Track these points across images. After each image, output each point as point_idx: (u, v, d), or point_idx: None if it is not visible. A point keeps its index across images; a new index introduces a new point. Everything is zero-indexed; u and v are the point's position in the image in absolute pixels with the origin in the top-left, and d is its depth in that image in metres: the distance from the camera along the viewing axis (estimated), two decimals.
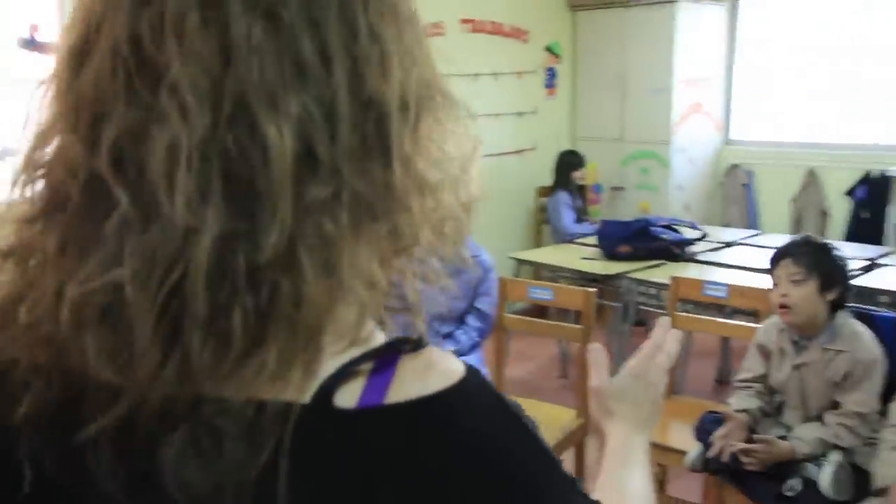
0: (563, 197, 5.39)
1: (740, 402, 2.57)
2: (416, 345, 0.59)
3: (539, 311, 4.63)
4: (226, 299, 0.52)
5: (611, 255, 4.23)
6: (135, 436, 0.53)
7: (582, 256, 4.33)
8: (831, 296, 2.45)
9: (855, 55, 5.42)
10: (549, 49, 6.08)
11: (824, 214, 5.58)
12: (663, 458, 2.80)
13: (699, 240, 4.31)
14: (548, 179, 5.67)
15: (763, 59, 5.91)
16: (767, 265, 2.62)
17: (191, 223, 0.51)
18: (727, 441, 2.46)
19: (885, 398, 2.40)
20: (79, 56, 0.56)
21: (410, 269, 0.63)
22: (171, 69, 0.52)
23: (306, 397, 0.55)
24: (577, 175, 5.48)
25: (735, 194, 5.99)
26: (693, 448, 2.61)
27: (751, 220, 5.86)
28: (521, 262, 4.66)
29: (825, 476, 2.31)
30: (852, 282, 2.68)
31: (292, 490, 0.53)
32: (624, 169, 5.97)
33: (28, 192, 0.59)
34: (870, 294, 3.48)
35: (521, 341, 4.60)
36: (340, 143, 0.54)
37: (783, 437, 2.43)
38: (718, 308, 3.48)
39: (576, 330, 3.11)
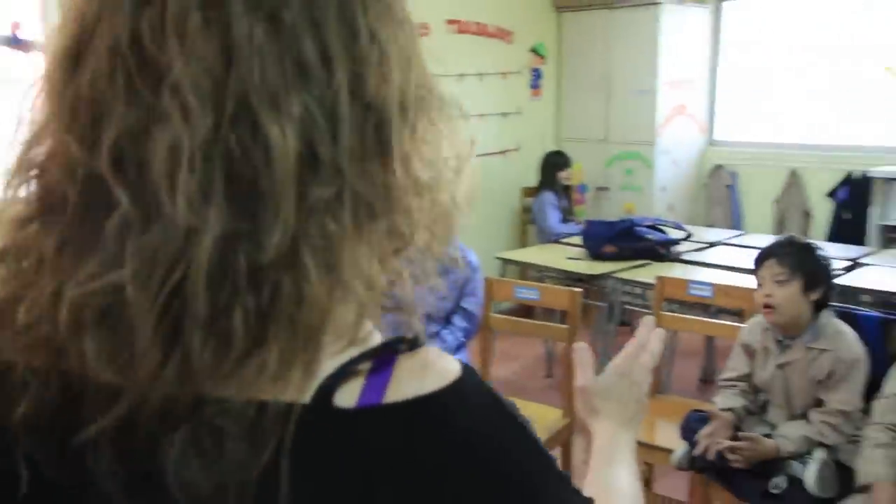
0: (549, 197, 5.41)
1: (725, 400, 2.59)
2: (412, 344, 0.59)
3: (525, 310, 4.64)
4: (227, 299, 0.52)
5: (596, 255, 4.24)
6: (135, 436, 0.53)
7: (567, 256, 4.34)
8: (815, 296, 2.47)
9: (837, 57, 5.47)
10: (534, 50, 6.10)
11: (807, 215, 5.63)
12: (650, 457, 2.82)
13: (684, 240, 4.34)
14: (532, 180, 5.69)
15: (746, 61, 5.95)
16: (751, 265, 2.64)
17: (192, 223, 0.51)
18: (712, 439, 2.47)
19: (868, 396, 2.43)
20: (73, 56, 0.56)
21: (406, 269, 0.63)
22: (173, 69, 0.52)
23: (306, 397, 0.55)
24: (563, 175, 5.49)
25: (719, 195, 6.03)
26: (679, 447, 2.62)
27: (734, 221, 5.90)
28: (506, 261, 4.67)
29: (810, 473, 2.33)
30: (835, 282, 2.70)
31: (293, 490, 0.53)
32: (608, 170, 5.99)
33: (21, 193, 0.59)
34: (852, 293, 3.52)
35: (506, 341, 4.61)
36: (341, 143, 0.55)
37: (768, 436, 2.45)
38: (703, 307, 3.50)
39: (562, 330, 3.12)
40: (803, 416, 2.48)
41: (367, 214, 0.57)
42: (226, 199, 0.52)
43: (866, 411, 2.41)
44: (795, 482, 2.35)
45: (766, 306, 2.49)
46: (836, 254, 3.69)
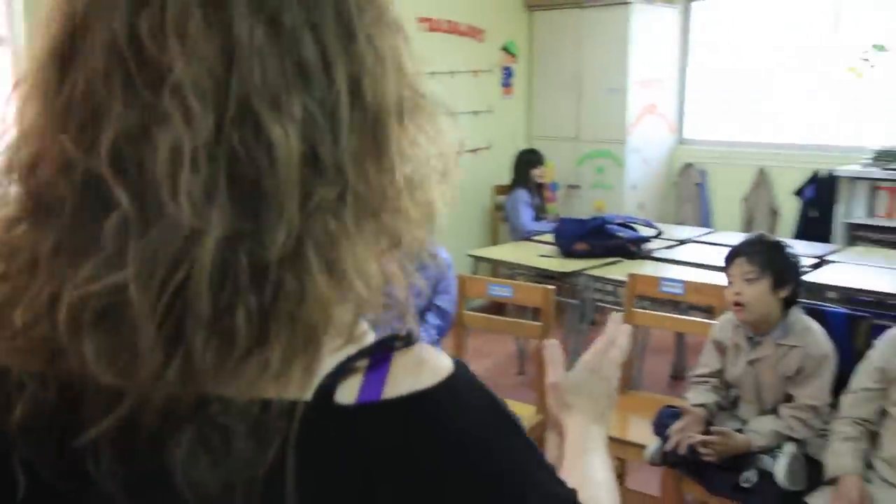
0: (522, 195, 5.43)
1: (697, 396, 2.63)
2: (406, 341, 0.60)
3: (496, 308, 4.66)
4: (229, 299, 0.52)
5: (568, 253, 4.26)
6: (137, 437, 0.54)
7: (539, 254, 4.36)
8: (784, 293, 2.51)
9: (803, 57, 5.55)
10: (505, 48, 6.11)
11: (774, 213, 5.71)
12: (622, 452, 2.85)
13: (655, 237, 4.37)
14: (504, 178, 5.70)
15: (715, 61, 6.02)
16: (721, 262, 2.68)
17: (196, 224, 0.51)
18: (684, 434, 2.50)
19: (836, 391, 2.47)
20: (63, 55, 0.56)
21: (398, 267, 0.64)
22: (175, 70, 0.52)
23: (308, 395, 0.56)
24: (536, 173, 5.51)
25: (688, 193, 6.09)
26: (652, 442, 2.65)
27: (704, 219, 5.96)
28: (478, 259, 4.68)
29: (780, 467, 2.37)
30: (803, 279, 2.74)
31: (298, 486, 0.54)
32: (579, 168, 6.03)
33: (9, 193, 0.58)
34: (819, 290, 3.57)
35: (478, 338, 4.62)
36: (342, 144, 0.56)
37: (739, 430, 2.49)
38: (674, 304, 3.54)
39: (535, 327, 3.14)
40: (773, 411, 2.52)
41: (366, 214, 0.58)
42: (229, 200, 0.52)
43: (834, 406, 2.46)
44: (766, 476, 2.39)
45: (737, 304, 2.53)
46: (802, 251, 3.72)
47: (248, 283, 0.52)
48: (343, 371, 0.57)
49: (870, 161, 5.11)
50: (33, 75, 0.58)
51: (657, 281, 3.30)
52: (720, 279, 2.79)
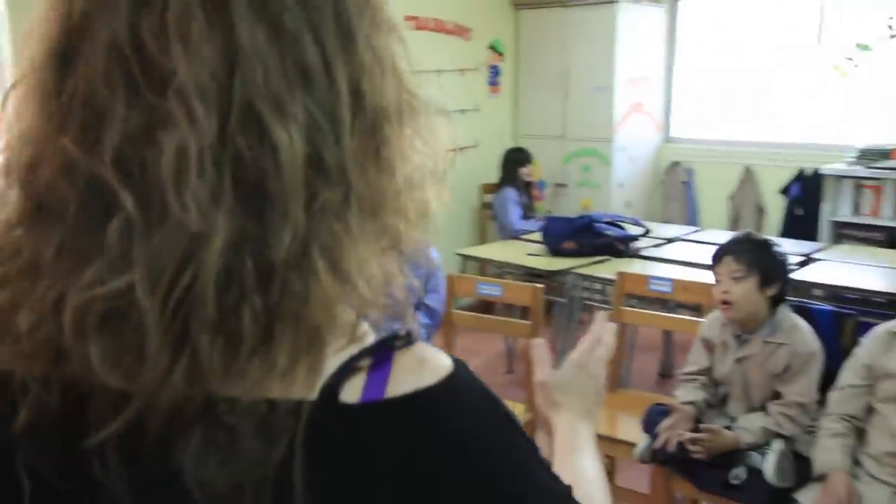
0: (510, 193, 5.43)
1: (686, 394, 2.64)
2: (406, 340, 0.61)
3: (484, 306, 4.66)
4: (235, 300, 0.52)
5: (555, 252, 4.27)
6: (143, 438, 0.53)
7: (527, 252, 4.37)
8: (771, 291, 2.53)
9: (789, 56, 5.58)
10: (492, 47, 6.12)
11: (761, 211, 5.74)
12: (611, 450, 2.85)
13: (642, 236, 4.38)
14: (491, 176, 5.71)
15: (701, 59, 6.04)
16: (708, 260, 2.69)
17: (202, 227, 0.51)
18: (673, 432, 2.52)
19: (824, 388, 2.49)
20: (61, 56, 0.55)
21: (397, 267, 0.64)
22: (178, 73, 0.52)
23: (313, 394, 0.56)
24: (525, 171, 5.52)
25: (675, 192, 6.12)
26: (641, 440, 2.66)
27: (690, 217, 5.99)
28: (466, 258, 4.68)
29: (769, 464, 2.38)
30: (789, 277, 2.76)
31: (305, 486, 0.54)
32: (566, 166, 6.04)
33: (9, 195, 0.58)
34: (805, 288, 3.60)
35: (467, 337, 4.62)
36: (344, 145, 0.56)
37: (728, 428, 2.51)
38: (662, 303, 3.55)
39: (523, 325, 3.15)
40: (762, 408, 2.54)
41: (368, 214, 0.58)
42: (234, 202, 0.52)
43: (822, 403, 2.48)
44: (755, 473, 2.40)
45: (724, 302, 2.55)
46: (789, 249, 3.74)
47: (254, 285, 0.52)
48: (347, 370, 0.57)
49: (854, 160, 5.15)
50: (30, 76, 0.57)
51: (646, 279, 3.31)
52: (708, 277, 2.80)
